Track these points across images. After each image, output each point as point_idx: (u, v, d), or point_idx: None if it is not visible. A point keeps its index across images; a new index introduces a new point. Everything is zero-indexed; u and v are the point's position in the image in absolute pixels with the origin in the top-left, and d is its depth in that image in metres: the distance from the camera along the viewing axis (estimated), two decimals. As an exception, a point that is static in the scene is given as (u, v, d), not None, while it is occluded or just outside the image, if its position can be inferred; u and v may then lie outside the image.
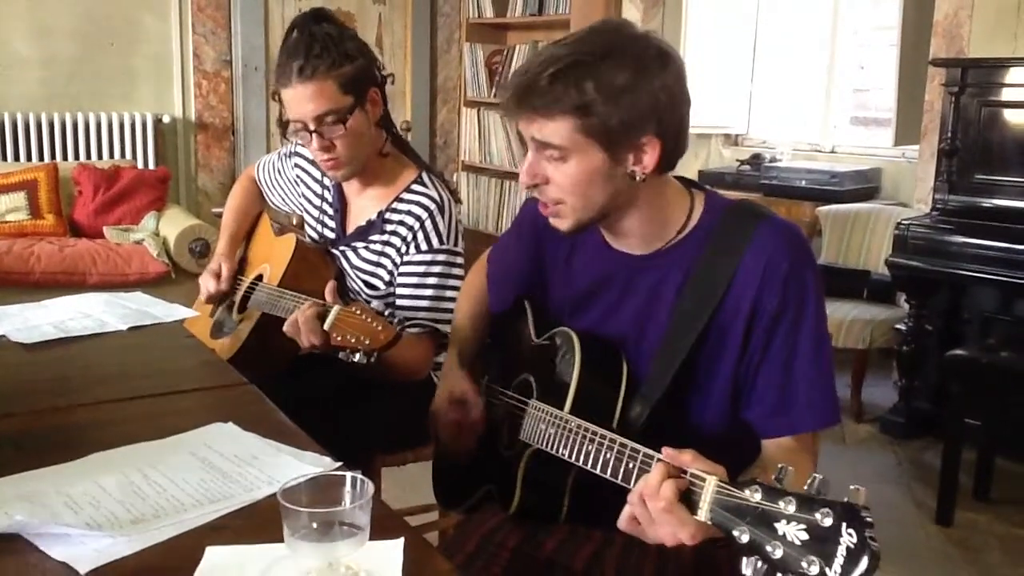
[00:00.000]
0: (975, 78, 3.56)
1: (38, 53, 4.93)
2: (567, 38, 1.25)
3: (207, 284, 2.20)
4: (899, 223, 3.63)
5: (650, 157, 1.25)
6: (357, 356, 1.58)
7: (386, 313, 1.56)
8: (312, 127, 1.87)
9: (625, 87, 1.20)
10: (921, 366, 3.72)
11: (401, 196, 2.00)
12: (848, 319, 3.84)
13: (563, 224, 1.32)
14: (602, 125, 1.21)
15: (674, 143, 1.27)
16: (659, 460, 1.09)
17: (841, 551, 0.86)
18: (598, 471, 1.18)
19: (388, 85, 2.02)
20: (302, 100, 1.85)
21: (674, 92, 1.24)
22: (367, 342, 1.56)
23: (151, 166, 5.06)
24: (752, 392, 1.29)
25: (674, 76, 1.24)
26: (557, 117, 1.21)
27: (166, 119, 5.20)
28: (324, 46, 1.85)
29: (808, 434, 1.29)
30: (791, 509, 0.91)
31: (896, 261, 3.59)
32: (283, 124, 1.94)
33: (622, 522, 1.09)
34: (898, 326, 3.84)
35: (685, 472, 1.04)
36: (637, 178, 1.26)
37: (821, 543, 0.88)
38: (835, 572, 0.86)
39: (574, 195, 1.28)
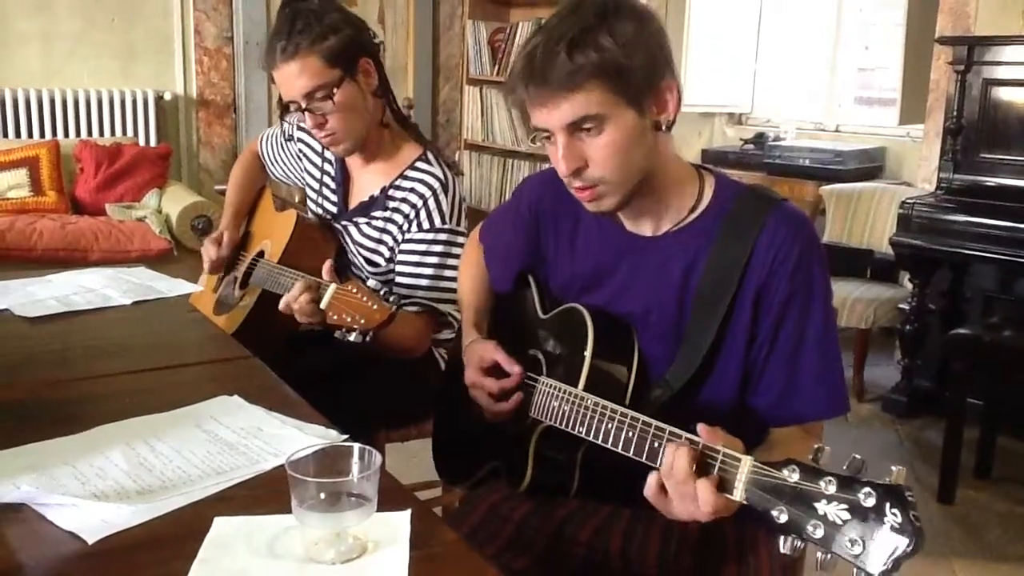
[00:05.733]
0: (981, 56, 3.54)
1: (39, 29, 4.91)
2: (552, 19, 1.23)
3: (208, 252, 2.20)
4: (903, 202, 3.62)
5: (671, 100, 1.26)
6: (352, 335, 1.57)
7: (382, 292, 1.55)
8: (304, 105, 1.86)
9: (636, 34, 1.20)
10: (923, 345, 3.72)
11: (405, 173, 1.98)
12: (851, 298, 3.83)
13: (605, 203, 1.29)
14: (628, 78, 1.19)
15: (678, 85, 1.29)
16: (669, 439, 1.09)
17: (885, 530, 0.86)
18: (619, 449, 1.17)
19: (388, 60, 2.00)
20: (289, 79, 1.84)
21: (665, 36, 1.26)
22: (362, 321, 1.55)
23: (152, 143, 5.04)
24: (760, 380, 1.29)
25: (659, 21, 1.26)
26: (586, 84, 1.18)
27: (167, 96, 5.17)
28: (306, 22, 1.83)
29: (815, 423, 1.29)
30: (832, 489, 0.91)
31: (900, 240, 3.58)
32: (282, 106, 1.93)
33: (649, 490, 1.08)
34: (901, 305, 3.84)
35: (717, 452, 1.03)
36: (663, 127, 1.26)
37: (864, 522, 0.88)
38: (880, 551, 0.86)
39: (615, 166, 1.24)
